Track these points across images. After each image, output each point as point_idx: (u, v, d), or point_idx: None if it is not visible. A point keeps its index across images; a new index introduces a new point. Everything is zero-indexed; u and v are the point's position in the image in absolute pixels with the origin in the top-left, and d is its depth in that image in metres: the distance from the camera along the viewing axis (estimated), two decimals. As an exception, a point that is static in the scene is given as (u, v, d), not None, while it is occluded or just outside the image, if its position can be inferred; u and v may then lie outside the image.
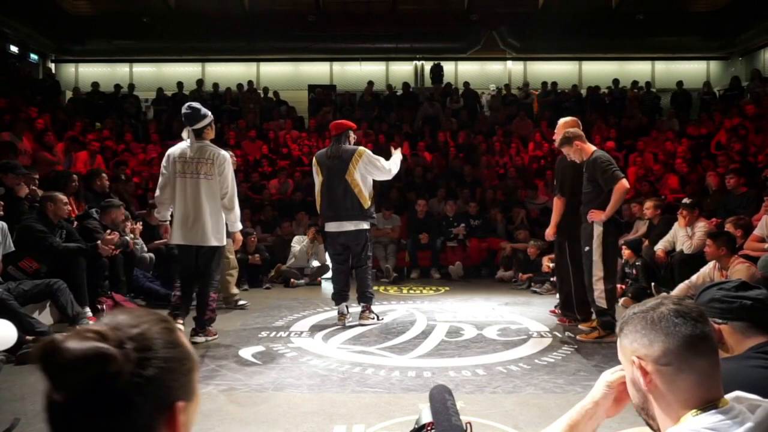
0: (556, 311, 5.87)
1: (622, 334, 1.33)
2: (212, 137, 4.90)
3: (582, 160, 5.04)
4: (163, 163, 4.87)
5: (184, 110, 4.78)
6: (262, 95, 14.20)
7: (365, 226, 5.51)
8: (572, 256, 5.31)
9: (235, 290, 6.45)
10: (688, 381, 1.23)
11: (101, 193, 6.88)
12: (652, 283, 6.32)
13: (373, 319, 5.58)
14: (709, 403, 1.21)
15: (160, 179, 4.87)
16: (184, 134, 4.82)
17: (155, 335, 0.94)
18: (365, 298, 5.64)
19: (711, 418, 1.18)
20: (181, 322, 4.79)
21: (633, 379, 1.31)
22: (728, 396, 1.26)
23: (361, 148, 5.58)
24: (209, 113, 4.84)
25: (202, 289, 4.85)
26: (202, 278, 4.86)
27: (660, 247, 6.43)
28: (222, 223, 4.81)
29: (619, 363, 1.41)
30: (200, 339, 4.76)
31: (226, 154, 4.81)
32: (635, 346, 1.29)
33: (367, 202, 5.46)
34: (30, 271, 5.06)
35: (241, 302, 6.41)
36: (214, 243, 4.76)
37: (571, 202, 5.30)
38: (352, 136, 5.68)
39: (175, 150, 4.82)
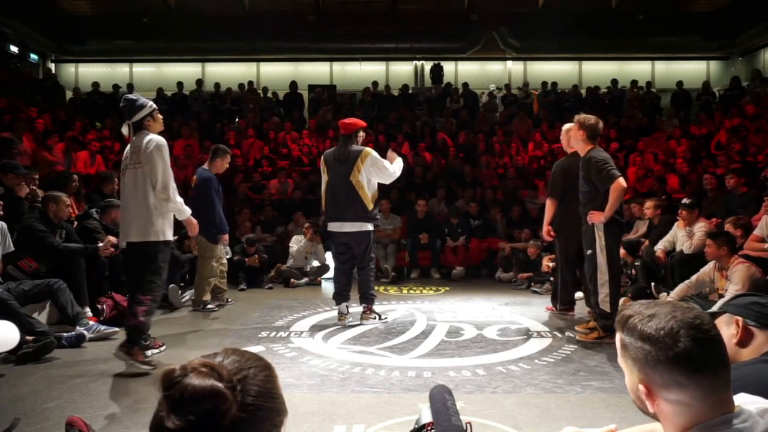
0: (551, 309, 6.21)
1: (627, 352, 1.25)
2: (159, 129, 4.33)
3: (571, 150, 5.22)
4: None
5: (121, 104, 4.35)
6: (262, 95, 14.22)
7: (368, 227, 5.50)
8: (561, 250, 5.74)
9: (207, 297, 6.24)
10: (698, 409, 1.18)
11: (110, 196, 6.86)
12: (652, 284, 6.32)
13: (375, 318, 5.59)
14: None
15: None
16: (124, 130, 4.32)
17: (257, 383, 1.04)
18: (366, 299, 5.64)
19: (723, 424, 1.17)
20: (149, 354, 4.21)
21: (636, 394, 1.26)
22: (735, 399, 1.24)
23: (367, 149, 5.55)
24: (148, 103, 4.30)
25: (130, 293, 4.25)
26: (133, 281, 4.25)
27: (660, 247, 6.43)
28: (155, 216, 4.13)
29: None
30: (122, 356, 3.99)
31: (156, 139, 4.18)
32: (643, 376, 1.22)
33: (370, 204, 5.46)
34: (29, 270, 5.07)
35: (209, 306, 6.20)
36: (136, 238, 4.12)
37: (562, 202, 5.58)
38: (361, 136, 5.66)
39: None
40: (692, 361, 1.16)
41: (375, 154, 5.53)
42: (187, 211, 4.41)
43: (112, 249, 5.62)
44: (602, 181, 4.72)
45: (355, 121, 5.70)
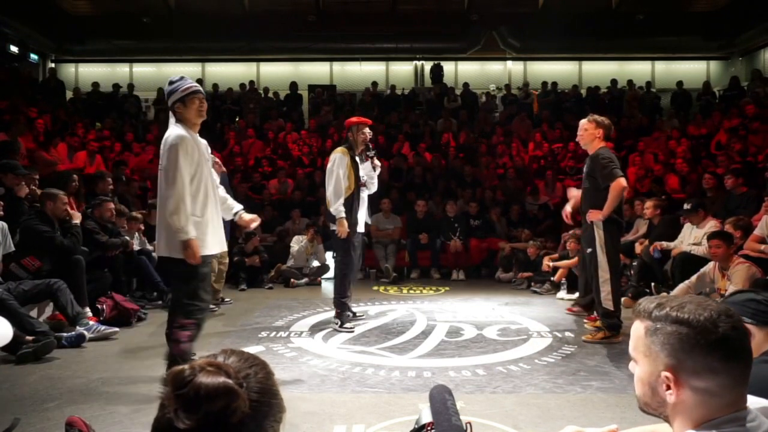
0: (574, 309, 5.98)
1: (655, 338, 1.22)
2: (194, 119, 3.64)
3: (585, 147, 5.05)
4: None
5: None
6: (262, 95, 14.22)
7: (332, 227, 5.31)
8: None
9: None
10: (722, 400, 1.18)
11: (104, 195, 6.85)
12: (652, 284, 6.32)
13: (337, 325, 5.29)
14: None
15: None
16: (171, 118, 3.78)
17: (259, 381, 1.06)
18: (334, 303, 5.43)
19: (735, 422, 1.17)
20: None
21: (652, 385, 1.24)
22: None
23: (338, 149, 5.34)
24: (183, 85, 3.60)
25: (170, 310, 3.73)
26: (171, 297, 3.83)
27: (664, 243, 6.40)
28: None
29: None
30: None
31: (172, 135, 3.52)
32: (671, 361, 1.20)
33: (329, 204, 5.26)
34: (32, 269, 5.05)
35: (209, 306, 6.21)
36: (165, 253, 3.61)
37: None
38: (360, 133, 5.34)
39: None
40: (730, 346, 1.17)
41: (338, 157, 5.24)
42: (188, 232, 3.48)
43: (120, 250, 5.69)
44: (604, 178, 4.74)
45: (350, 119, 5.59)
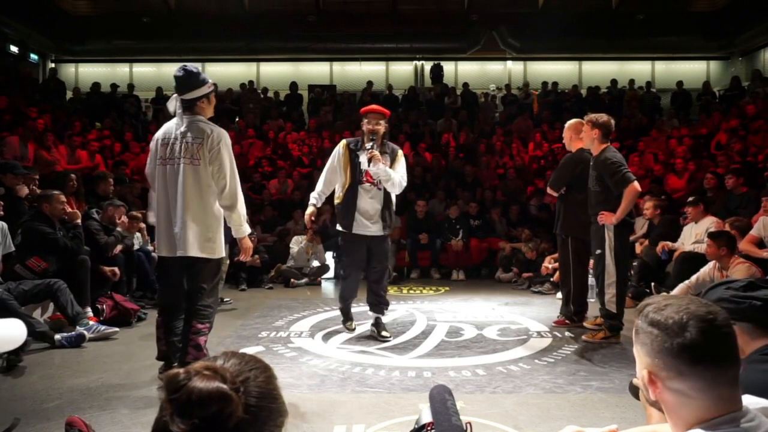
0: (559, 320, 5.68)
1: (638, 337, 1.26)
2: (210, 115, 3.70)
3: (582, 147, 5.01)
4: (150, 149, 3.77)
5: (175, 73, 3.60)
6: (262, 95, 14.22)
7: (338, 228, 4.99)
8: (575, 252, 5.31)
9: None
10: (700, 402, 1.18)
11: (104, 196, 6.85)
12: (652, 283, 6.31)
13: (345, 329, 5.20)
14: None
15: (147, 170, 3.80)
16: (171, 105, 3.66)
17: (259, 385, 1.05)
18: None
19: (730, 423, 1.17)
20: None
21: (643, 381, 1.26)
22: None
23: (339, 144, 4.97)
24: (209, 81, 3.63)
25: (186, 317, 3.63)
26: (187, 301, 3.64)
27: (670, 243, 6.40)
28: (215, 226, 3.58)
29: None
30: None
31: (219, 131, 3.55)
32: (648, 361, 1.23)
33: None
34: (38, 270, 5.05)
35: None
36: (197, 253, 3.53)
37: (578, 198, 5.19)
38: (366, 124, 4.80)
39: (160, 130, 3.71)
40: (696, 351, 1.17)
41: (337, 153, 4.86)
42: (247, 228, 3.66)
43: (119, 248, 5.74)
44: (616, 185, 4.67)
45: (363, 108, 5.06)
